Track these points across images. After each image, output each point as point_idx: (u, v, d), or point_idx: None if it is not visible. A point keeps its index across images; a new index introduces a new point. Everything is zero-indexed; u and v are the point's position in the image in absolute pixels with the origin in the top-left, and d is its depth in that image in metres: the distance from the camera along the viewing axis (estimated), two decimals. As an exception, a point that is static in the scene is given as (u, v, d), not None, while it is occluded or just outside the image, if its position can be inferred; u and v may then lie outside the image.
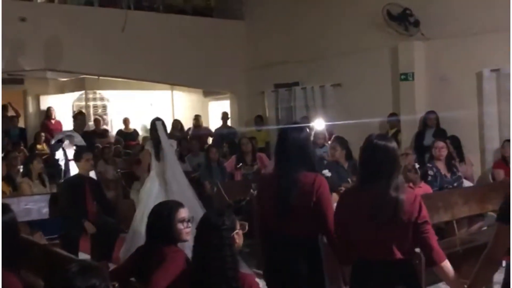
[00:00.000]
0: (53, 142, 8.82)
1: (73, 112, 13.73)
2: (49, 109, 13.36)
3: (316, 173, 3.57)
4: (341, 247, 3.24)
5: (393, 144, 3.14)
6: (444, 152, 6.96)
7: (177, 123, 12.64)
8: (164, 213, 3.35)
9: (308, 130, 3.93)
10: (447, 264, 3.05)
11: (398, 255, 2.98)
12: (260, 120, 11.81)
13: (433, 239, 3.06)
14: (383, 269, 3.00)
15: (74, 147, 8.11)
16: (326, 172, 6.65)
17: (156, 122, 6.61)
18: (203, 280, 2.79)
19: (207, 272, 2.77)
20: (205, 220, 2.92)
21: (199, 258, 2.84)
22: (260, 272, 4.04)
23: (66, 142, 8.37)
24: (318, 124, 9.30)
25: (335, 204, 3.37)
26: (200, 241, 2.85)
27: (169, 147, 6.68)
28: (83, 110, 13.43)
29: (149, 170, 6.61)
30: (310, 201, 3.42)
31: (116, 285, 3.22)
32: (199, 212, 6.16)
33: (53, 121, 13.10)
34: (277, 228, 3.50)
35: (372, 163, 3.09)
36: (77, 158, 6.79)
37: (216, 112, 13.55)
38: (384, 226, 2.95)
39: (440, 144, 7.02)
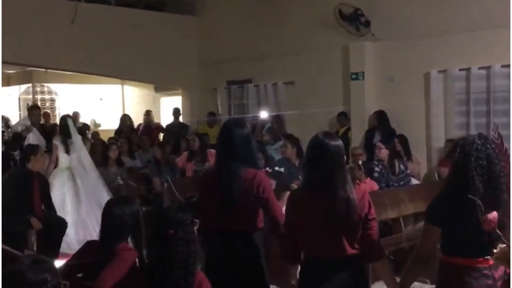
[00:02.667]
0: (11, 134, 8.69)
1: (23, 105, 13.39)
2: None
3: (257, 169, 3.52)
4: (289, 246, 3.21)
5: (337, 142, 3.06)
6: (383, 153, 7.17)
7: (125, 118, 12.43)
8: (115, 209, 3.29)
9: (248, 125, 3.86)
10: (385, 262, 3.15)
11: (349, 251, 3.00)
12: (212, 116, 11.77)
13: (377, 236, 3.10)
14: (334, 266, 3.01)
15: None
16: (279, 169, 6.72)
17: (67, 119, 7.72)
18: (162, 274, 2.77)
19: (169, 266, 2.75)
20: (166, 216, 2.89)
21: (160, 253, 2.81)
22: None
23: (30, 136, 8.24)
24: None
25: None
26: (161, 236, 2.82)
27: (80, 141, 7.67)
28: (30, 104, 13.10)
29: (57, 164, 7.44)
30: (250, 197, 3.40)
31: (68, 284, 3.15)
32: None
33: None
34: (218, 225, 3.47)
35: (316, 161, 3.04)
36: (33, 152, 6.60)
37: (167, 108, 13.42)
38: (336, 225, 2.96)
39: (379, 145, 7.31)
